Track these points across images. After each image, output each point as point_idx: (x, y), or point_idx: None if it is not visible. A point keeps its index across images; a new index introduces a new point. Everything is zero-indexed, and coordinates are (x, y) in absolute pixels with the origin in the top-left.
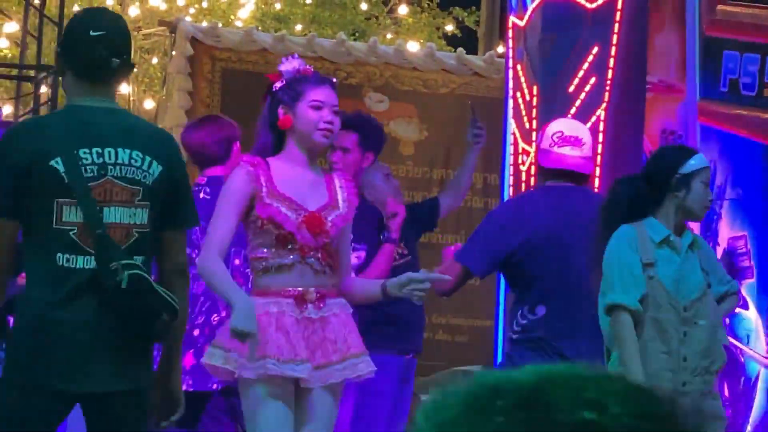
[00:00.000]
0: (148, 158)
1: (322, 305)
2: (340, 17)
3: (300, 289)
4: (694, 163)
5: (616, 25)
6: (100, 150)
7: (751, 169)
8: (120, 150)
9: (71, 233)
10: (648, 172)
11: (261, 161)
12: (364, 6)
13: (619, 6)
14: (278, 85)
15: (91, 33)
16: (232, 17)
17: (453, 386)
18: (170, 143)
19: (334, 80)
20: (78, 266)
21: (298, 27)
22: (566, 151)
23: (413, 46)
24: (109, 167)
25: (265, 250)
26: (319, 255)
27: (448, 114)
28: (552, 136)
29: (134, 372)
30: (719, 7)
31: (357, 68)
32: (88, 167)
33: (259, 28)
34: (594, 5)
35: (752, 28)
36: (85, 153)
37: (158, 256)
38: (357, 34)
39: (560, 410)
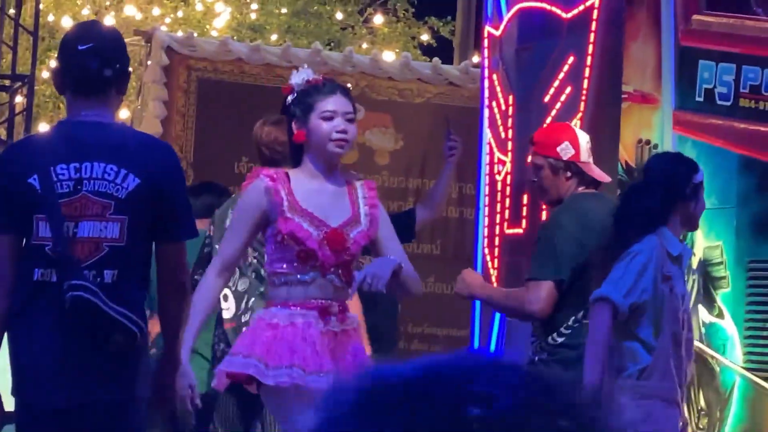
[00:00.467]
0: (123, 171)
1: (344, 319)
2: (316, 27)
3: (323, 301)
4: (700, 174)
5: (592, 35)
6: (77, 165)
7: (726, 178)
8: (96, 164)
9: (46, 248)
10: (660, 182)
11: (282, 174)
12: (339, 16)
13: (595, 16)
14: (290, 99)
15: (80, 47)
16: (208, 27)
17: (348, 380)
18: (157, 156)
19: (348, 85)
20: (53, 280)
21: (274, 37)
22: (592, 160)
23: (389, 56)
24: (85, 182)
25: (284, 265)
26: (340, 272)
27: (424, 123)
28: (588, 147)
29: (109, 384)
30: (695, 17)
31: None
32: (63, 183)
33: (235, 37)
34: (570, 15)
35: (727, 38)
36: (62, 169)
37: (157, 271)
38: (332, 44)
39: (444, 405)
